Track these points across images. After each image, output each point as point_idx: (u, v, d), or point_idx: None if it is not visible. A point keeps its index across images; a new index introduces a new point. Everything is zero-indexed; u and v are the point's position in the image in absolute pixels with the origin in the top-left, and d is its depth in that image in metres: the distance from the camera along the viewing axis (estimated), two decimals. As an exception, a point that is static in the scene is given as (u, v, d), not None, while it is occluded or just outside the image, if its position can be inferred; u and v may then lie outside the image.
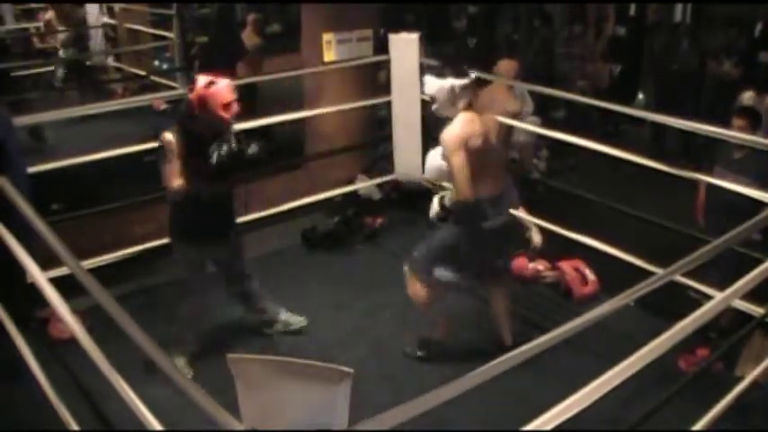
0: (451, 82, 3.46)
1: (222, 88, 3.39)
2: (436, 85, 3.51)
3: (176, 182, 3.35)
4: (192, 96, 3.40)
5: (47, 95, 7.09)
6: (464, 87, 3.49)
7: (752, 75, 6.57)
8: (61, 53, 7.11)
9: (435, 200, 3.59)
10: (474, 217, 3.52)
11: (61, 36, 7.07)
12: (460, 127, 3.44)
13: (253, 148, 3.52)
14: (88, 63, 7.99)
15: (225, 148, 3.41)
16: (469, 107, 3.51)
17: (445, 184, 3.80)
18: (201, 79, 3.41)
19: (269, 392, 1.41)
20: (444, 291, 3.71)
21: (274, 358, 1.44)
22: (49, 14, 7.14)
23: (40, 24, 7.79)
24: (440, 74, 3.53)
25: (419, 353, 3.84)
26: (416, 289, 3.72)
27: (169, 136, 3.36)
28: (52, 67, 7.22)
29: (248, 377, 1.42)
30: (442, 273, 3.63)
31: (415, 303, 3.79)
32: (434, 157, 3.62)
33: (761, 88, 5.43)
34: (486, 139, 3.49)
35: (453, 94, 3.47)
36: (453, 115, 3.49)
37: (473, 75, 3.62)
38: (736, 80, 6.53)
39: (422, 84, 3.61)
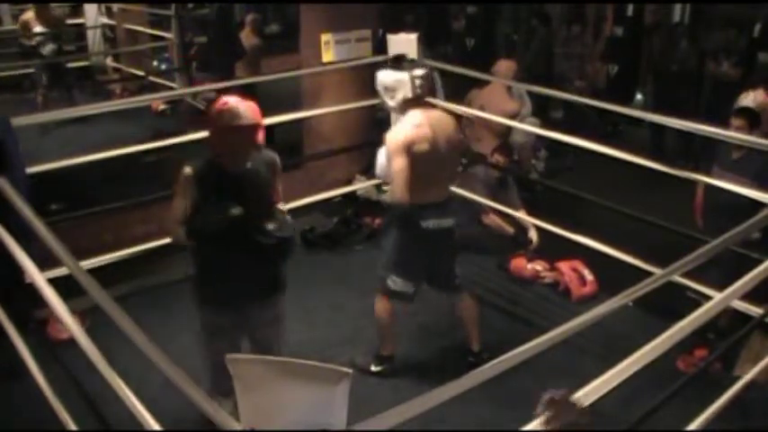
0: (411, 73, 3.39)
1: (215, 112, 2.71)
2: (394, 77, 3.42)
3: (175, 226, 2.77)
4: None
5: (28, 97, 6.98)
6: (423, 78, 3.42)
7: (751, 75, 6.57)
8: (41, 51, 7.03)
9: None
10: (409, 220, 3.45)
11: (37, 34, 6.98)
12: (406, 131, 3.35)
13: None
14: (76, 65, 8.00)
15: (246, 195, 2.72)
16: (424, 103, 3.44)
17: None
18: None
19: (267, 393, 1.41)
20: (395, 302, 3.63)
21: (273, 359, 1.44)
22: (28, 14, 7.01)
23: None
24: (396, 67, 3.48)
25: (373, 368, 3.73)
26: (380, 308, 3.65)
27: (188, 169, 2.75)
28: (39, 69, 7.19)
29: (247, 377, 1.42)
30: (394, 280, 3.56)
31: (377, 324, 3.71)
32: (383, 155, 3.52)
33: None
34: (433, 144, 3.38)
35: (414, 86, 3.39)
36: (404, 112, 3.42)
37: (428, 64, 3.58)
38: (735, 80, 6.53)
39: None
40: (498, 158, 5.17)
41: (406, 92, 3.41)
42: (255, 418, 1.42)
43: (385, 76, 3.47)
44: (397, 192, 3.33)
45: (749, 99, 4.18)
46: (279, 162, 3.00)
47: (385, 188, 3.47)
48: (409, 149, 3.32)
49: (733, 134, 3.88)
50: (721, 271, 3.40)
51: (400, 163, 3.31)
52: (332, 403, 1.38)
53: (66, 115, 4.56)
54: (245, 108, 2.71)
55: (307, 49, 5.32)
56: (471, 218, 5.11)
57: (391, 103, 3.48)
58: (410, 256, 3.53)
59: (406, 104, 3.44)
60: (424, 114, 3.41)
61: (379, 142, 5.66)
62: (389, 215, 3.62)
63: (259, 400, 1.42)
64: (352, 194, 5.61)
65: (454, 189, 4.01)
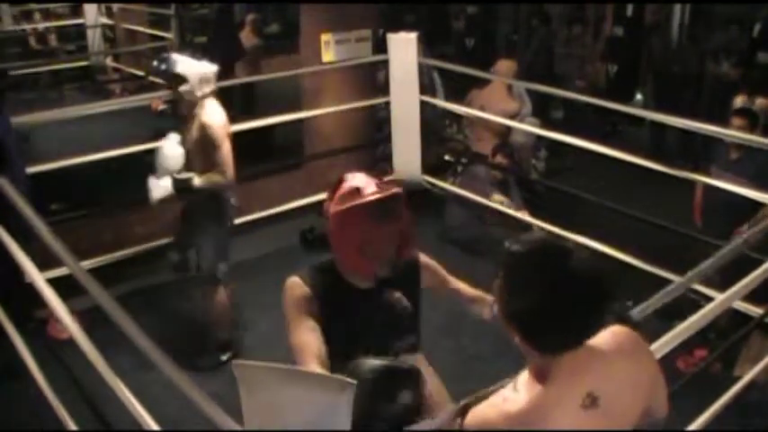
0: (210, 67, 3.58)
1: (349, 205, 1.89)
2: (212, 69, 3.58)
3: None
4: (326, 212, 1.98)
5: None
6: (214, 74, 3.61)
7: (750, 75, 6.57)
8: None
9: (168, 180, 3.52)
10: (227, 201, 3.66)
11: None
12: (221, 113, 3.56)
13: None
14: (76, 65, 7.97)
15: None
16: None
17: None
18: (349, 180, 1.94)
19: (272, 399, 1.41)
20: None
21: (279, 365, 1.43)
22: None
23: (38, 26, 7.80)
24: (195, 58, 3.66)
25: (223, 357, 3.81)
26: (220, 300, 3.78)
27: (304, 287, 1.96)
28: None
29: (252, 383, 1.42)
30: (221, 267, 3.71)
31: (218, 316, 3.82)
32: (174, 146, 3.58)
33: (758, 89, 5.45)
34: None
35: (208, 80, 3.55)
36: (197, 100, 3.52)
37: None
38: (734, 81, 6.53)
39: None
40: (500, 159, 5.16)
41: (212, 85, 3.58)
42: (259, 423, 1.42)
43: (205, 67, 3.58)
44: (230, 173, 3.52)
45: (744, 102, 4.19)
46: (427, 261, 2.14)
47: (184, 176, 3.55)
48: (227, 131, 3.56)
49: (733, 133, 3.88)
50: (719, 271, 3.40)
51: (228, 145, 3.52)
52: (335, 411, 1.38)
53: (66, 115, 4.54)
54: (394, 198, 1.88)
55: (307, 49, 5.32)
56: (471, 218, 5.12)
57: (199, 93, 3.52)
58: (226, 235, 3.74)
59: (207, 96, 3.57)
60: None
61: (379, 142, 5.71)
62: (205, 203, 3.64)
63: (263, 406, 1.42)
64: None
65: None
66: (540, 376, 1.42)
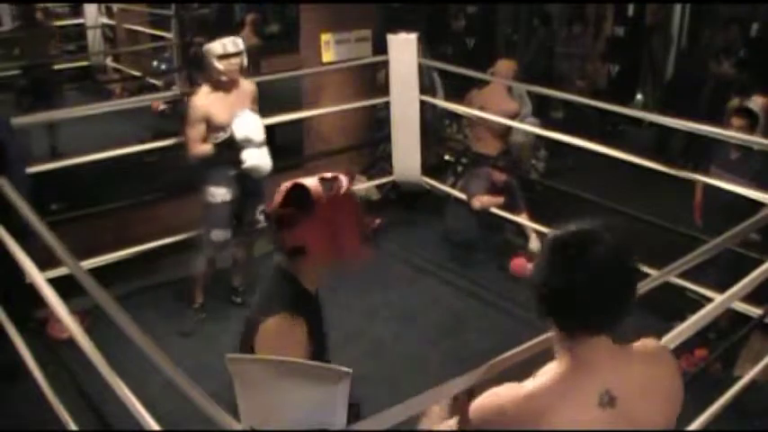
0: None
1: (336, 199, 1.89)
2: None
3: None
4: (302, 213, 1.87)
5: None
6: None
7: (744, 73, 6.57)
8: None
9: (265, 147, 3.93)
10: None
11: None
12: None
13: None
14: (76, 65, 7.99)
15: None
16: None
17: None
18: (301, 181, 1.91)
19: (268, 392, 1.41)
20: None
21: (274, 358, 1.44)
22: None
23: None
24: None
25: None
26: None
27: (290, 323, 1.76)
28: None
29: (247, 377, 1.42)
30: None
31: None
32: (257, 117, 3.94)
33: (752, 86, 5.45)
34: None
35: None
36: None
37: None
38: (735, 80, 6.52)
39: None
40: (501, 167, 5.15)
41: None
42: (256, 417, 1.42)
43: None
44: None
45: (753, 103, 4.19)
46: None
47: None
48: None
49: (733, 134, 3.88)
50: (719, 271, 3.40)
51: None
52: (332, 403, 1.38)
53: (66, 115, 4.54)
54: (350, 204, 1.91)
55: (307, 49, 5.32)
56: (471, 219, 5.11)
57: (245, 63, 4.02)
58: None
59: None
60: None
61: (379, 142, 5.71)
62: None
63: (259, 399, 1.42)
64: (351, 194, 5.59)
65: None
66: (560, 366, 1.44)
